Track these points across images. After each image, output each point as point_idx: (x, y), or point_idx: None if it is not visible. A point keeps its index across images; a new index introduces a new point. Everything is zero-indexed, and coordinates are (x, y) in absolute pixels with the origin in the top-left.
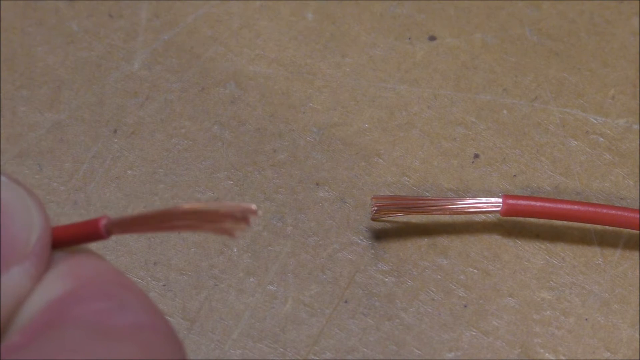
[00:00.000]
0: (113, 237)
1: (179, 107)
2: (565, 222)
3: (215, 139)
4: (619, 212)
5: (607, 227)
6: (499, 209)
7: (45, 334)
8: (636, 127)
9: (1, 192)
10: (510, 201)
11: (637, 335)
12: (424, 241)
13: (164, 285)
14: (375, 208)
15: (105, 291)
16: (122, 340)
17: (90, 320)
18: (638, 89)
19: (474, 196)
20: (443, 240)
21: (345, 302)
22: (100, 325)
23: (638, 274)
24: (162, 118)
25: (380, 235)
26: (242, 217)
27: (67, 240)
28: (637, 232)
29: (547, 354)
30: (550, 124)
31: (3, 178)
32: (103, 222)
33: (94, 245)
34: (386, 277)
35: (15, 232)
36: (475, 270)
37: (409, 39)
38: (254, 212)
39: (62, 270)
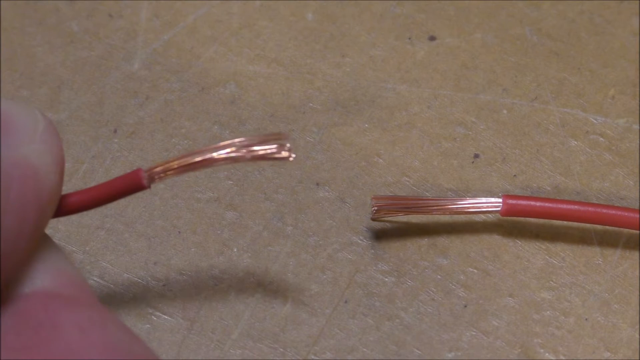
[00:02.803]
0: (113, 238)
1: (179, 107)
2: (565, 222)
3: (215, 139)
4: (619, 212)
5: (607, 227)
6: (499, 209)
7: None
8: (636, 127)
9: (1, 102)
10: (510, 201)
11: (637, 335)
12: (424, 241)
13: (164, 285)
14: (375, 208)
15: None
16: None
17: None
18: (638, 89)
19: (474, 196)
20: (443, 240)
21: (345, 302)
22: None
23: (638, 274)
24: (162, 118)
25: (380, 235)
26: (279, 145)
27: (109, 195)
28: (637, 232)
29: (547, 354)
30: (550, 124)
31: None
32: (142, 173)
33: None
34: (386, 277)
35: (22, 122)
36: (475, 270)
37: (409, 39)
38: (285, 137)
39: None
